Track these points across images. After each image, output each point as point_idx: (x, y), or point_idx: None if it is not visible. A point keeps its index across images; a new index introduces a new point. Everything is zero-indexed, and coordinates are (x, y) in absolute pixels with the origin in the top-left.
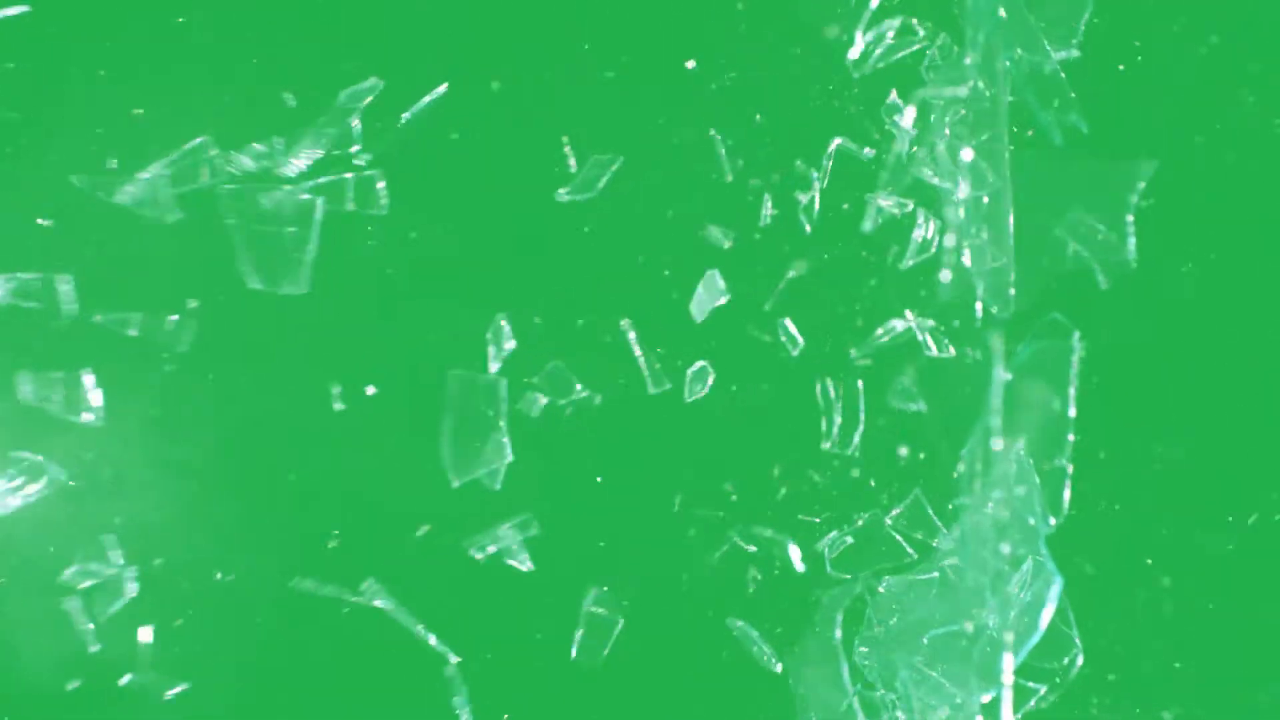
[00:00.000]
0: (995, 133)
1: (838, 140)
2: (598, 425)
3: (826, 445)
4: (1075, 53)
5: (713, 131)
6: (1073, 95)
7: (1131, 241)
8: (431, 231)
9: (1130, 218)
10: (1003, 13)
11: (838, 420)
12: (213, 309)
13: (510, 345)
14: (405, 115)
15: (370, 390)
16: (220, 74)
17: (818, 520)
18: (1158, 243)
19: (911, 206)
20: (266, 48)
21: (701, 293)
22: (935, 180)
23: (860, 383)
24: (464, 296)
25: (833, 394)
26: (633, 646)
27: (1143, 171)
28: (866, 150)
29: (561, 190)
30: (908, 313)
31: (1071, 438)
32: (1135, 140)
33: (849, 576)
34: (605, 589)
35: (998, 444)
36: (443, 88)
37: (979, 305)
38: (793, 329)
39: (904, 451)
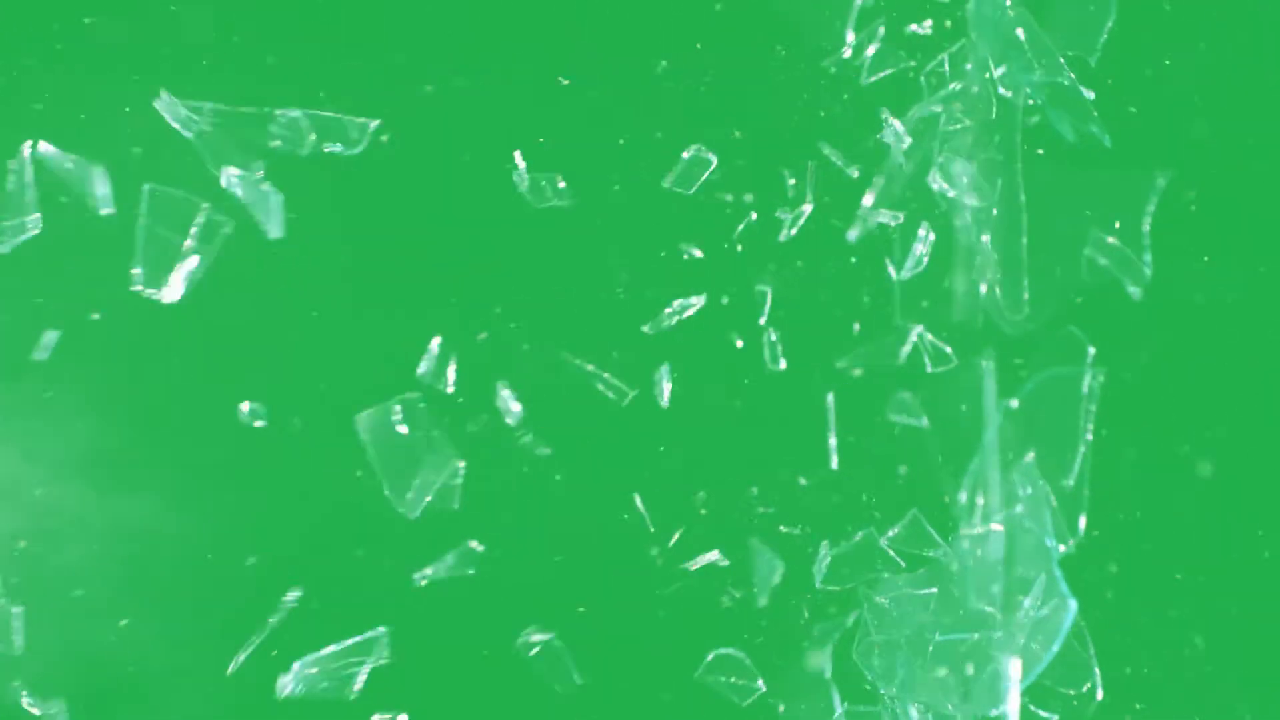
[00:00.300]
0: (1006, 143)
1: (821, 155)
2: (568, 441)
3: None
4: (1091, 94)
5: (701, 149)
6: (1094, 113)
7: (1147, 254)
8: (372, 245)
9: (1146, 228)
10: (1011, 14)
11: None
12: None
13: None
14: (333, 148)
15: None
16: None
17: (796, 531)
18: (1184, 252)
19: (903, 218)
20: (182, 43)
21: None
22: (947, 189)
23: (831, 396)
24: (411, 310)
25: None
26: (600, 667)
27: (1158, 183)
28: (853, 170)
29: (517, 177)
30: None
31: (1082, 454)
32: (1162, 150)
33: (837, 588)
34: (529, 628)
35: (994, 471)
36: (375, 123)
37: (980, 317)
38: (776, 342)
39: (904, 470)
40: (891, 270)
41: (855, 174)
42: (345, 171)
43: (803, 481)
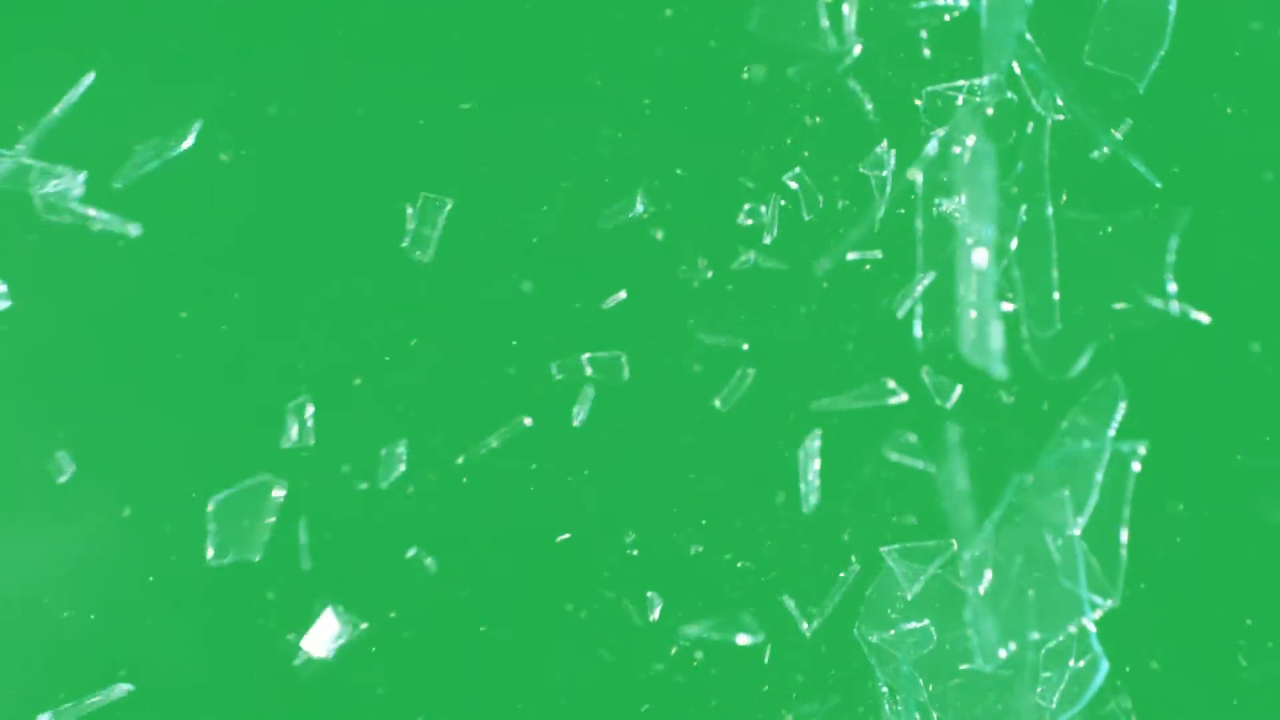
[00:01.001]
0: (1032, 166)
1: (787, 188)
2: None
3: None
4: (1122, 129)
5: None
6: (1124, 141)
7: (1173, 288)
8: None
9: (1170, 259)
10: (1028, 38)
11: (812, 477)
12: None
13: (309, 428)
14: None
15: (126, 512)
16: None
17: (738, 566)
18: (1232, 293)
19: (880, 255)
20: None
21: None
22: (960, 217)
23: (799, 442)
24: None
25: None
26: None
27: (1179, 221)
28: (814, 203)
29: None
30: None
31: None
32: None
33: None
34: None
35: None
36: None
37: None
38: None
39: (913, 521)
40: (912, 320)
41: (809, 216)
42: (198, 203)
43: (781, 497)
